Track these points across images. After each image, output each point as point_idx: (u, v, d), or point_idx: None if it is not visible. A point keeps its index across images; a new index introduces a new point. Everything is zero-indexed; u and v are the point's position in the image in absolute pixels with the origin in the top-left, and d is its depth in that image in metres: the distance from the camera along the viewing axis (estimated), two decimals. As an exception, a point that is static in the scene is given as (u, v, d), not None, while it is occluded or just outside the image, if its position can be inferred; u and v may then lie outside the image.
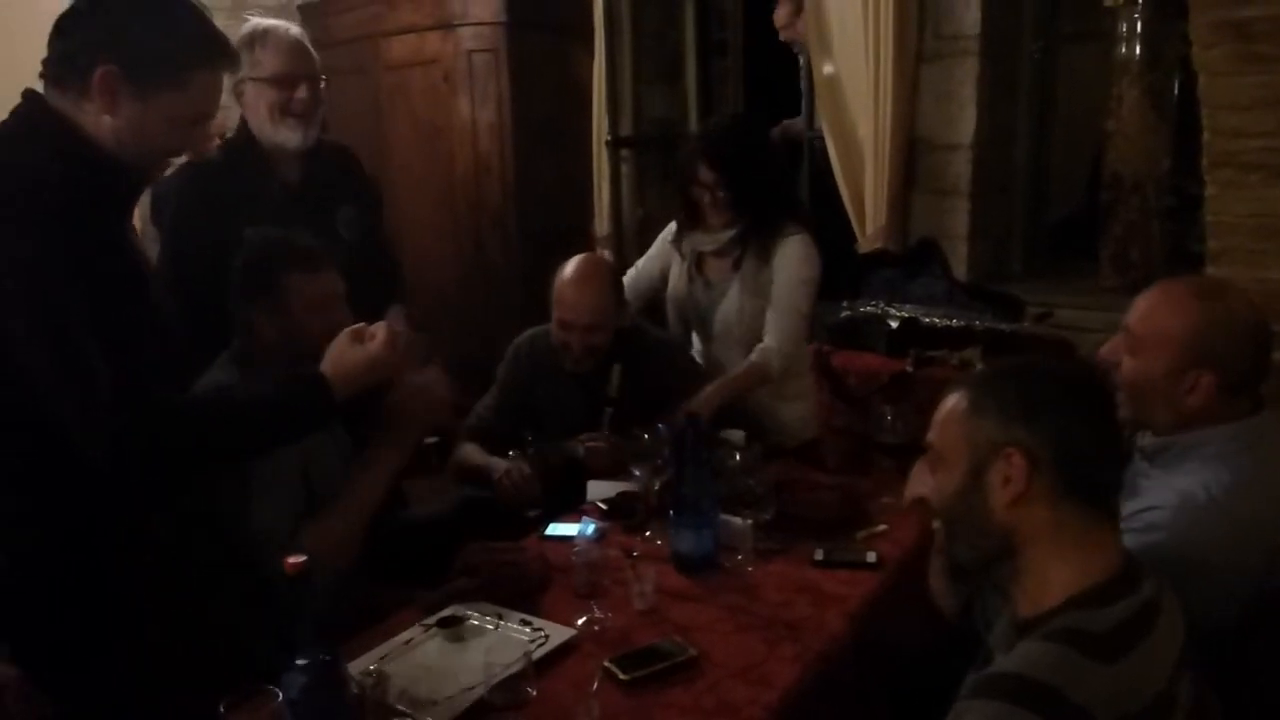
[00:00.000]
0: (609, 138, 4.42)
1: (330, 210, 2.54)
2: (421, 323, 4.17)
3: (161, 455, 1.54)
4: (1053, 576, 1.19)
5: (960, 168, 3.69)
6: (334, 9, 4.87)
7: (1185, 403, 1.62)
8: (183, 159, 2.18)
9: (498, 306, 4.46)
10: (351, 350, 1.74)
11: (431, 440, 2.90)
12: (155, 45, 1.54)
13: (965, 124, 3.65)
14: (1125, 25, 3.42)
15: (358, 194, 2.68)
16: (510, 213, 4.44)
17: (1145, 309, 1.68)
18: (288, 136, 2.46)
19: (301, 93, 2.45)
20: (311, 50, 2.52)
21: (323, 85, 2.53)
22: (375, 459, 1.97)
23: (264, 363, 1.99)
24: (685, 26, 4.87)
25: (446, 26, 4.35)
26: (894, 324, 3.54)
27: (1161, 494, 1.60)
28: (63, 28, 1.55)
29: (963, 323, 3.41)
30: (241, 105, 2.48)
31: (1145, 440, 1.72)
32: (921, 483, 1.32)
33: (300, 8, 5.39)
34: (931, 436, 1.30)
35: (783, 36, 4.40)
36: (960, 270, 3.72)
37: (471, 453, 2.56)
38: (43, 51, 1.57)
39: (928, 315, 3.53)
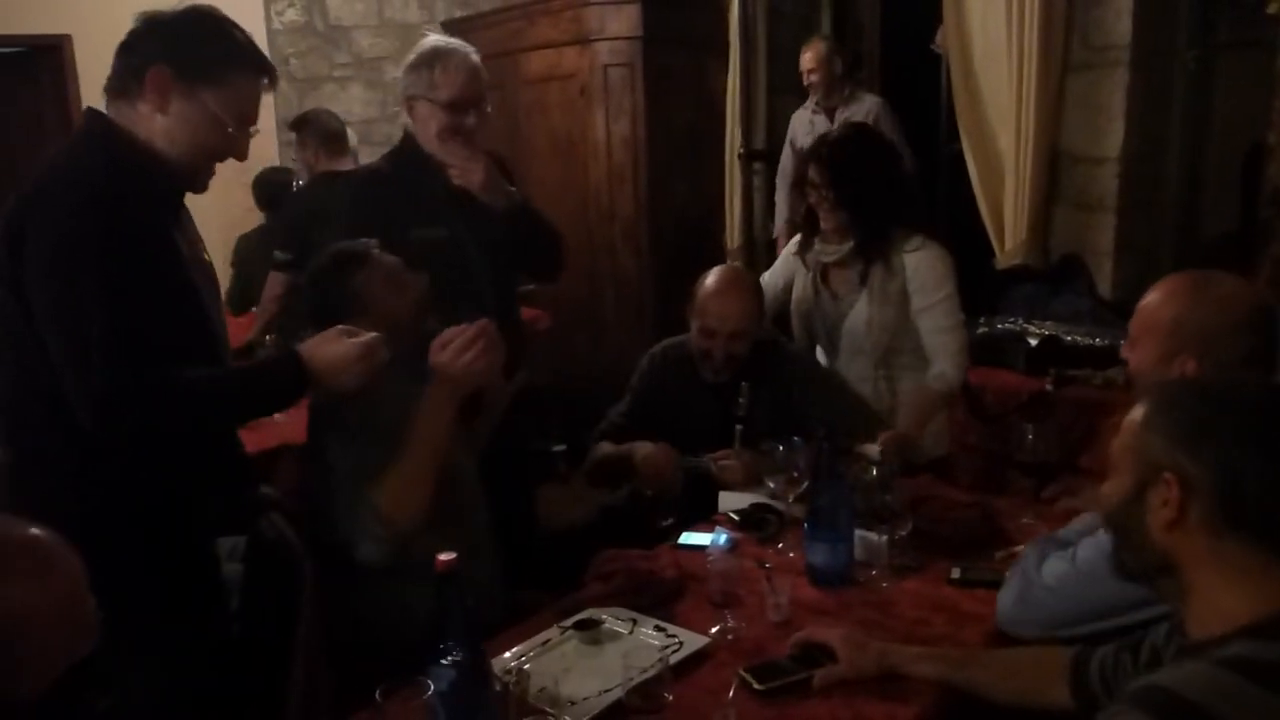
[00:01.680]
0: (741, 150, 4.43)
1: (488, 210, 2.60)
2: (550, 328, 4.27)
3: (145, 419, 1.67)
4: (1222, 603, 1.14)
5: (1107, 182, 3.57)
6: (474, 25, 5.03)
7: None
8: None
9: (629, 316, 4.52)
10: (334, 342, 1.82)
11: (559, 448, 2.97)
12: (201, 49, 1.75)
13: (1113, 136, 3.53)
14: (1288, 33, 3.26)
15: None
16: (643, 224, 4.49)
17: (1141, 304, 1.75)
18: (458, 158, 2.51)
19: (471, 119, 2.52)
20: (484, 74, 2.58)
21: (488, 109, 2.61)
22: (425, 408, 1.95)
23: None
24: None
25: (584, 41, 4.44)
26: (1034, 341, 3.44)
27: None
28: (125, 46, 1.76)
29: (1107, 342, 3.29)
30: (411, 118, 2.56)
31: None
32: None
33: (444, 24, 5.58)
34: (1115, 439, 1.26)
35: (807, 81, 4.43)
36: (1105, 288, 3.60)
37: (607, 447, 2.60)
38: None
39: (1070, 333, 3.42)
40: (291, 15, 5.61)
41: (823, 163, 2.66)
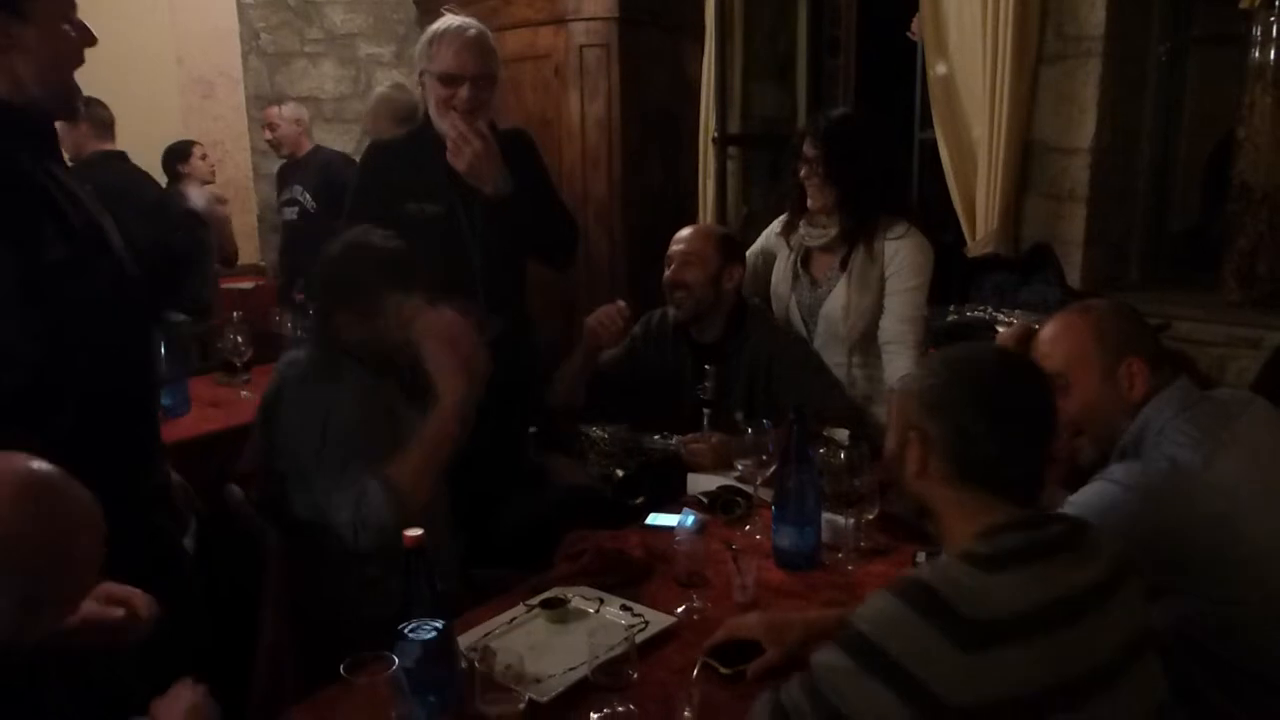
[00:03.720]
0: (716, 135, 4.41)
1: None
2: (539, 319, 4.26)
3: None
4: (958, 530, 1.35)
5: (1078, 172, 3.58)
6: (450, 3, 4.97)
7: (1132, 397, 1.72)
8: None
9: (601, 298, 4.49)
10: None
11: (530, 431, 2.97)
12: None
13: (1085, 127, 3.54)
14: (1260, 29, 3.28)
15: (524, 174, 2.73)
16: (616, 207, 4.47)
17: (1045, 352, 1.79)
18: (453, 131, 2.58)
19: (464, 92, 2.59)
20: (487, 50, 2.65)
21: (494, 84, 2.68)
22: (435, 410, 1.99)
23: (348, 350, 2.07)
24: (798, 24, 4.84)
25: (559, 21, 4.40)
26: (1002, 329, 3.46)
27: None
28: None
29: (1075, 331, 3.32)
30: (423, 93, 2.68)
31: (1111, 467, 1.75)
32: None
33: (417, 1, 5.53)
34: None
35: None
36: (1075, 278, 3.62)
37: (563, 469, 2.73)
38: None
39: (1039, 322, 3.43)
40: (263, -12, 5.54)
41: (819, 138, 2.67)
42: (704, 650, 1.63)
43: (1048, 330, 1.83)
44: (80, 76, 1.78)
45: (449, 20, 2.65)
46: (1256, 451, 1.66)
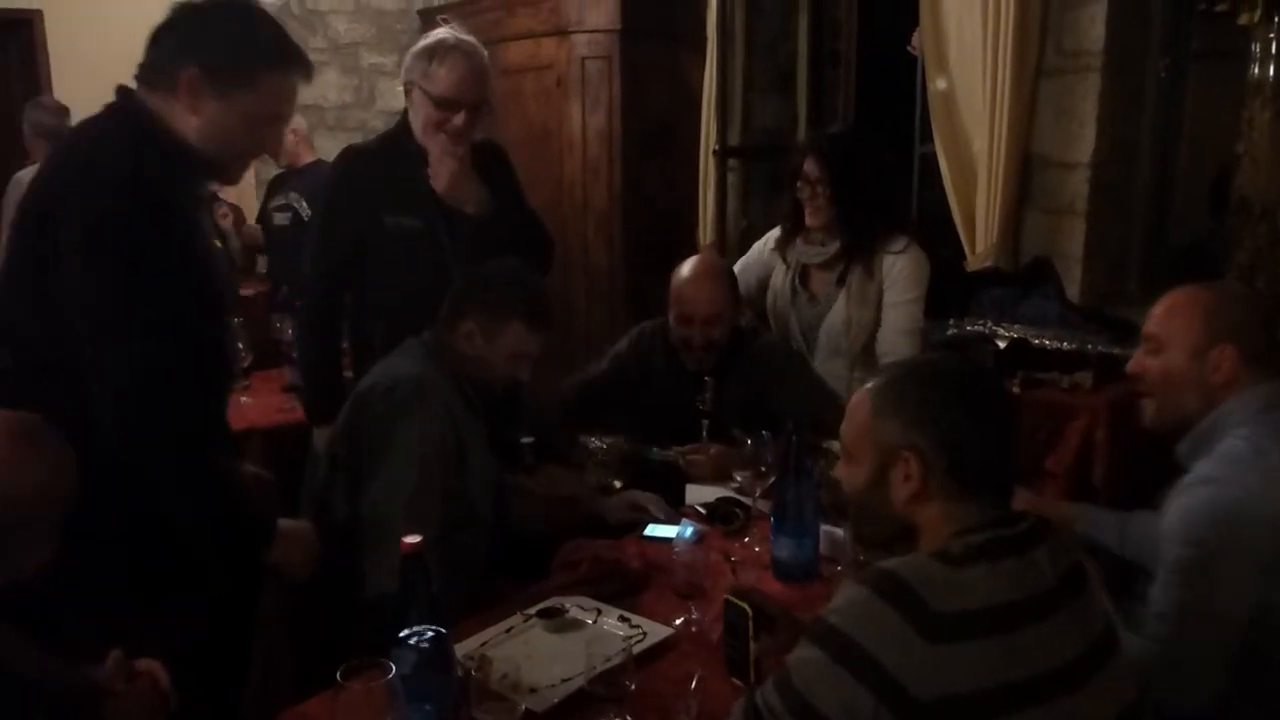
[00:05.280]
0: (716, 146, 4.42)
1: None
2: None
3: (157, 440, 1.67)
4: (940, 538, 1.31)
5: (1077, 186, 3.59)
6: (453, 14, 4.98)
7: (1212, 381, 1.73)
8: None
9: (601, 309, 4.51)
10: (303, 540, 1.88)
11: (527, 439, 2.97)
12: (233, 50, 1.73)
13: (1084, 142, 3.55)
14: (1259, 45, 3.29)
15: (500, 188, 2.71)
16: (616, 217, 4.49)
17: (1159, 312, 1.82)
18: (437, 150, 2.51)
19: (459, 120, 2.49)
20: (486, 76, 2.55)
21: (488, 110, 2.60)
22: None
23: (452, 365, 2.15)
24: (799, 36, 4.85)
25: (561, 33, 4.42)
26: (1002, 344, 3.45)
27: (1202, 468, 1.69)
28: (157, 37, 1.73)
29: (1075, 345, 3.31)
30: (408, 102, 2.56)
31: (1180, 449, 1.79)
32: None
33: (420, 12, 5.54)
34: (843, 429, 1.43)
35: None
36: (1074, 292, 3.62)
37: (559, 479, 2.62)
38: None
39: (1038, 337, 3.43)
40: (267, -2, 5.56)
41: (822, 156, 2.66)
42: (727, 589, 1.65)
43: (1175, 291, 1.84)
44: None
45: (449, 37, 2.54)
46: None
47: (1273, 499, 1.60)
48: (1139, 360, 1.83)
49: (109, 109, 1.77)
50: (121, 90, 1.77)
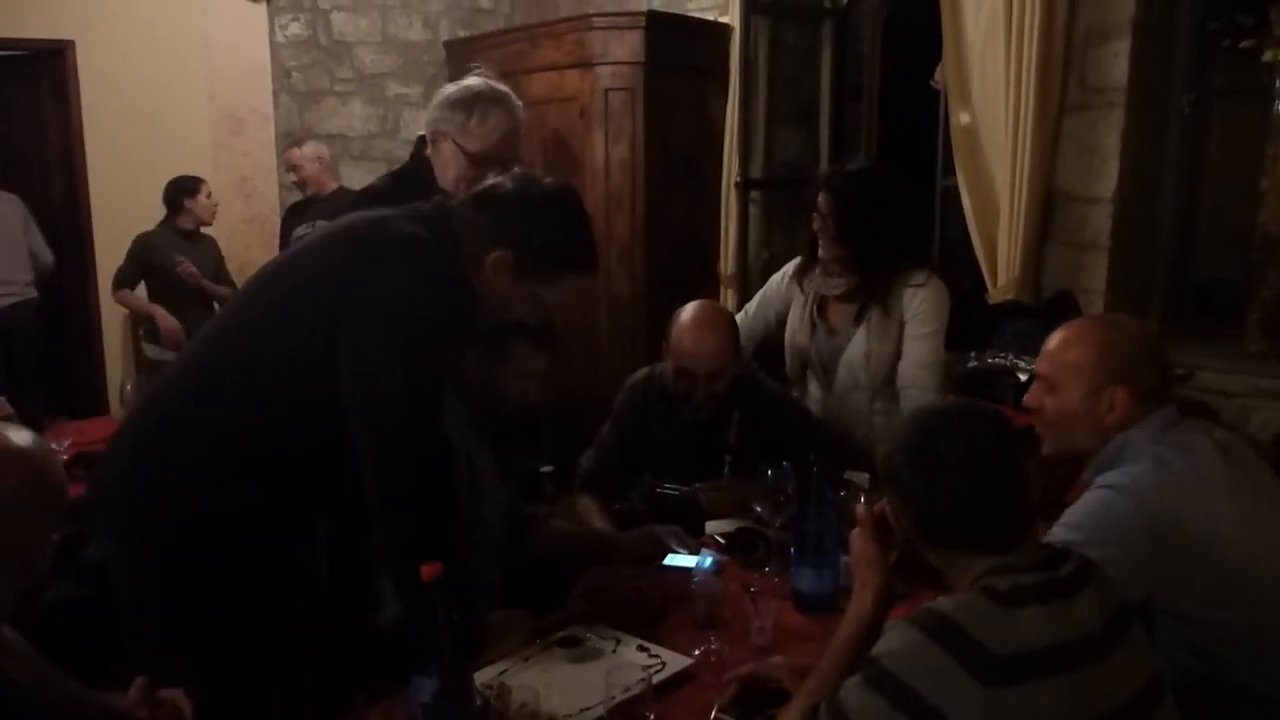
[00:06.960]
0: (738, 179, 4.45)
1: None
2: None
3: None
4: (964, 582, 1.34)
5: (1100, 221, 3.59)
6: (479, 46, 5.06)
7: (1105, 421, 1.74)
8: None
9: (623, 339, 4.53)
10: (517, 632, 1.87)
11: (547, 469, 2.96)
12: (549, 251, 1.83)
13: (1107, 177, 3.56)
14: (1283, 82, 3.30)
15: None
16: (638, 248, 4.51)
17: (1053, 350, 1.81)
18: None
19: (492, 178, 2.21)
20: (521, 132, 2.44)
21: (517, 165, 2.39)
22: None
23: (461, 388, 2.12)
24: (821, 70, 4.88)
25: (586, 65, 4.47)
26: (1024, 377, 3.45)
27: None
28: (484, 204, 1.84)
29: (1097, 380, 3.30)
30: (433, 150, 2.41)
31: (1087, 474, 1.82)
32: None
33: (446, 44, 5.61)
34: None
35: None
36: (1096, 326, 3.62)
37: (587, 510, 2.58)
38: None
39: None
40: (295, 29, 5.63)
41: (833, 193, 2.66)
42: (720, 695, 1.61)
43: (1066, 328, 1.84)
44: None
45: (485, 89, 2.37)
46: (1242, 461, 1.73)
47: (1163, 500, 1.64)
48: (1035, 395, 1.84)
49: (423, 217, 1.82)
50: (440, 208, 1.86)
